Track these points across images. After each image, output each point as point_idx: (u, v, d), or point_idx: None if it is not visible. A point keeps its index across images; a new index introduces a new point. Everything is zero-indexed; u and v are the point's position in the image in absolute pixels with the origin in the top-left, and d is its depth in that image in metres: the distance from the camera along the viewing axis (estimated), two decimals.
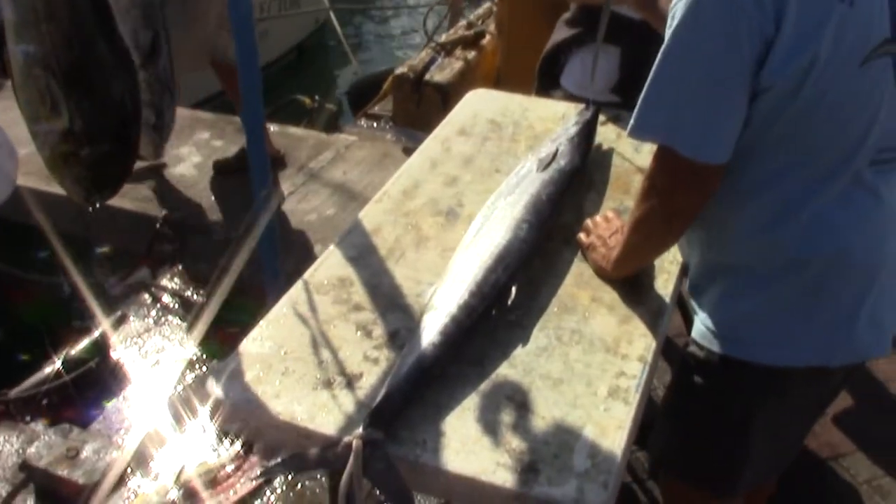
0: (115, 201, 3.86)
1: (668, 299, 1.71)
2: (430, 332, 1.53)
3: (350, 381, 1.50)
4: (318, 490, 2.60)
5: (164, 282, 3.56)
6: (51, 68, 1.64)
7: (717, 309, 1.55)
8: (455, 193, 2.02)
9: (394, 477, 1.34)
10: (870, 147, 1.39)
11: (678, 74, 1.36)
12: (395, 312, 1.66)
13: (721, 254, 1.54)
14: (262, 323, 1.65)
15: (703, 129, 1.36)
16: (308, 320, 1.64)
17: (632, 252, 1.65)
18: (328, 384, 1.50)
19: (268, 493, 2.61)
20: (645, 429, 1.61)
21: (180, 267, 3.64)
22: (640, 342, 1.60)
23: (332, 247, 1.86)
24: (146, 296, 3.52)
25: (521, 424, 1.42)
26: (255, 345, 1.59)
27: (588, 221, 1.85)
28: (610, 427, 1.42)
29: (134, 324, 3.35)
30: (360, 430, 1.37)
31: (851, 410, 2.81)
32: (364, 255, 1.82)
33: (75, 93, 1.67)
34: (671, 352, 1.71)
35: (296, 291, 1.73)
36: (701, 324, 1.57)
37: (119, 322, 3.28)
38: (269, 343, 1.59)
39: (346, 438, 1.36)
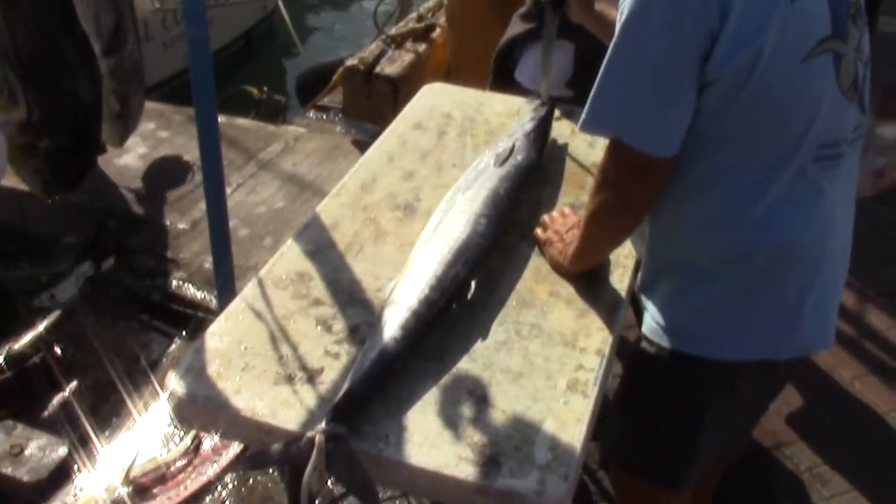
0: None
1: (623, 293, 1.74)
2: (391, 326, 1.54)
3: (311, 377, 1.50)
4: (270, 485, 2.58)
5: (110, 274, 3.48)
6: (7, 58, 1.59)
7: (666, 304, 1.58)
8: (412, 188, 2.03)
9: (357, 471, 1.34)
10: (812, 143, 1.43)
11: (626, 68, 1.40)
12: (355, 307, 1.66)
13: (671, 248, 1.57)
14: (220, 318, 1.63)
15: (652, 122, 1.40)
16: (267, 315, 1.63)
17: (588, 246, 1.67)
18: (289, 379, 1.49)
19: (219, 488, 2.58)
20: (598, 421, 1.64)
21: (125, 259, 3.57)
22: (598, 336, 1.62)
23: (289, 241, 1.85)
24: (90, 289, 3.44)
25: (482, 418, 1.43)
26: (213, 340, 1.58)
27: (545, 217, 1.87)
28: (569, 420, 1.44)
29: (78, 317, 3.27)
30: (322, 425, 1.36)
31: (793, 400, 2.90)
32: (323, 250, 1.81)
33: (33, 83, 1.62)
34: (622, 346, 1.75)
35: (254, 286, 1.71)
36: (651, 319, 1.60)
37: (63, 316, 3.20)
38: (228, 338, 1.58)
39: (309, 434, 1.35)
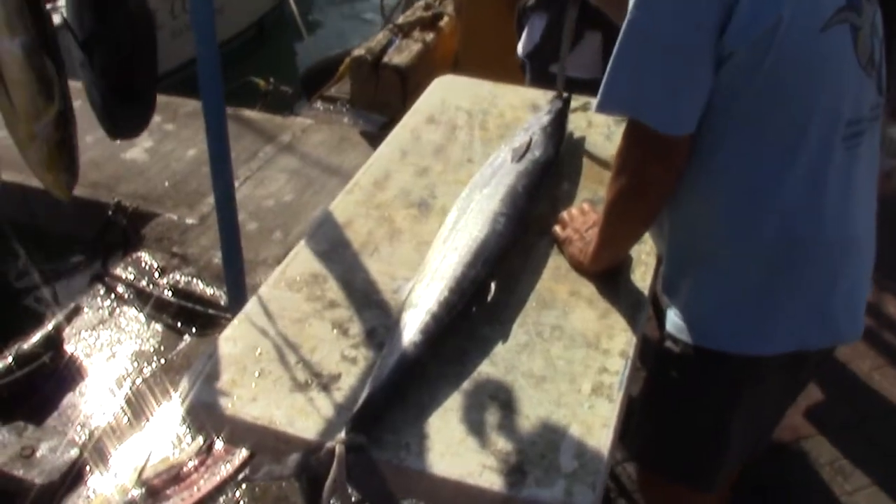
0: None
1: (646, 292, 1.70)
2: (410, 330, 1.50)
3: (328, 383, 1.46)
4: (284, 484, 2.55)
5: (118, 271, 3.45)
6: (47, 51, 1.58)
7: (690, 300, 1.54)
8: (427, 184, 1.98)
9: (378, 482, 1.31)
10: (837, 119, 1.39)
11: (641, 46, 1.36)
12: (372, 309, 1.62)
13: (693, 242, 1.52)
14: (233, 322, 1.60)
15: (668, 99, 1.36)
16: (282, 319, 1.59)
17: (608, 239, 1.63)
18: (306, 386, 1.45)
19: (232, 488, 2.55)
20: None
21: (133, 256, 3.54)
22: (621, 337, 1.58)
23: (302, 241, 1.81)
24: (99, 286, 3.41)
25: (505, 424, 1.40)
26: (227, 345, 1.54)
27: (563, 214, 1.83)
28: (595, 425, 1.40)
29: (88, 315, 3.25)
30: (342, 434, 1.33)
31: (812, 393, 2.86)
32: (336, 250, 1.77)
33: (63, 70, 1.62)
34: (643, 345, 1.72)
35: (267, 289, 1.67)
36: (675, 317, 1.56)
37: (72, 314, 3.18)
38: (242, 343, 1.54)
39: (329, 444, 1.32)
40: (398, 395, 1.41)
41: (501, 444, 1.36)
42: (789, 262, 1.44)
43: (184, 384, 1.49)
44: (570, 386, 1.47)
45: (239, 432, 1.42)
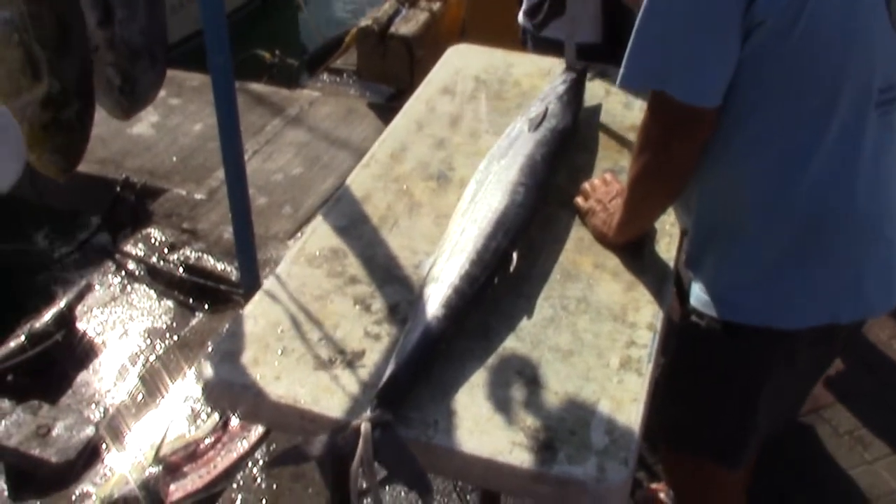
0: None
1: (671, 263, 1.67)
2: (433, 304, 1.47)
3: (352, 360, 1.44)
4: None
5: (128, 248, 3.43)
6: (30, 28, 1.52)
7: (717, 274, 1.50)
8: (444, 157, 1.94)
9: (407, 459, 1.29)
10: (871, 86, 1.34)
11: (666, 16, 1.32)
12: (393, 284, 1.59)
13: (719, 215, 1.49)
14: (254, 298, 1.57)
15: (694, 70, 1.32)
16: (302, 295, 1.56)
17: (633, 213, 1.59)
18: (330, 363, 1.43)
19: (249, 464, 2.54)
20: None
21: (143, 232, 3.52)
22: (648, 309, 1.55)
23: (319, 216, 1.78)
24: (109, 263, 3.39)
25: (533, 400, 1.37)
26: (249, 322, 1.51)
27: (585, 185, 1.79)
28: (625, 400, 1.38)
29: (99, 293, 3.23)
30: (367, 412, 1.30)
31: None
32: (356, 224, 1.74)
33: (60, 50, 1.56)
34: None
35: (287, 265, 1.65)
36: (700, 291, 1.52)
37: (83, 292, 3.16)
38: (264, 320, 1.52)
39: (355, 422, 1.29)
40: (423, 371, 1.38)
41: (530, 420, 1.34)
42: (820, 233, 1.41)
43: (202, 362, 1.47)
44: (597, 360, 1.45)
45: (262, 411, 1.40)
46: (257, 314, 1.54)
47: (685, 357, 1.62)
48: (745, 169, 1.41)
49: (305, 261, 1.65)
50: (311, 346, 1.46)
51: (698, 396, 1.60)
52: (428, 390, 1.38)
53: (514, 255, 1.60)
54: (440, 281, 1.52)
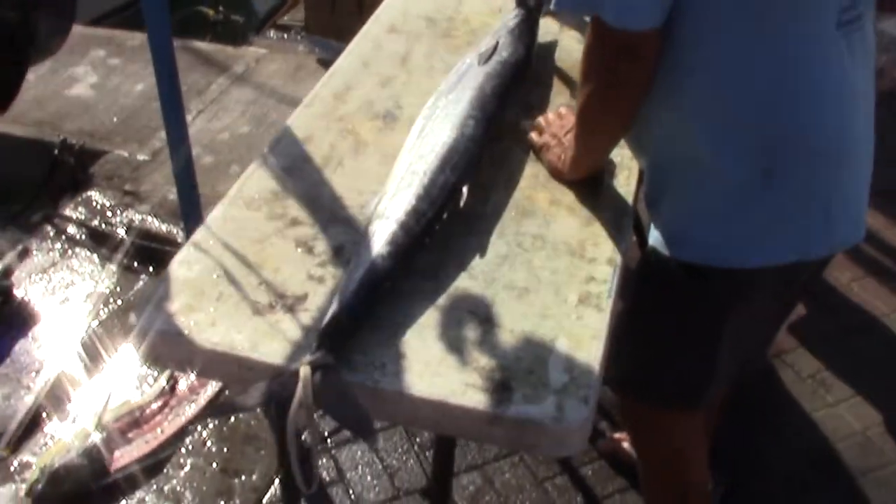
0: (6, 126, 3.55)
1: (629, 198, 1.59)
2: (378, 242, 1.38)
3: (294, 304, 1.34)
4: (253, 422, 2.45)
5: (68, 212, 3.28)
6: None
7: (675, 212, 1.42)
8: (391, 94, 1.84)
9: (350, 404, 1.20)
10: (828, 3, 1.25)
11: None
12: (338, 226, 1.49)
13: (675, 150, 1.38)
14: (188, 245, 1.46)
15: None
16: (240, 239, 1.46)
17: (585, 145, 1.50)
18: (270, 308, 1.33)
19: (199, 428, 2.44)
20: None
21: (84, 195, 3.36)
22: (607, 244, 1.47)
23: (259, 158, 1.67)
24: (48, 228, 3.24)
25: (487, 340, 1.29)
26: (182, 269, 1.41)
27: (539, 119, 1.70)
28: (584, 337, 1.30)
29: (37, 258, 3.08)
30: (308, 356, 1.21)
31: None
32: (298, 166, 1.64)
33: None
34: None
35: (224, 208, 1.54)
36: (658, 232, 1.45)
37: (21, 256, 3.01)
38: (199, 266, 1.41)
39: (293, 366, 1.20)
40: (368, 311, 1.29)
41: (484, 361, 1.25)
42: (782, 162, 1.31)
43: (136, 314, 1.36)
44: (555, 297, 1.37)
45: (197, 360, 1.30)
46: (191, 260, 1.43)
47: (642, 298, 1.55)
48: (696, 97, 1.31)
49: (243, 203, 1.55)
50: (249, 291, 1.36)
51: (655, 339, 1.53)
52: (374, 333, 1.29)
53: (465, 190, 1.51)
54: (386, 217, 1.42)
